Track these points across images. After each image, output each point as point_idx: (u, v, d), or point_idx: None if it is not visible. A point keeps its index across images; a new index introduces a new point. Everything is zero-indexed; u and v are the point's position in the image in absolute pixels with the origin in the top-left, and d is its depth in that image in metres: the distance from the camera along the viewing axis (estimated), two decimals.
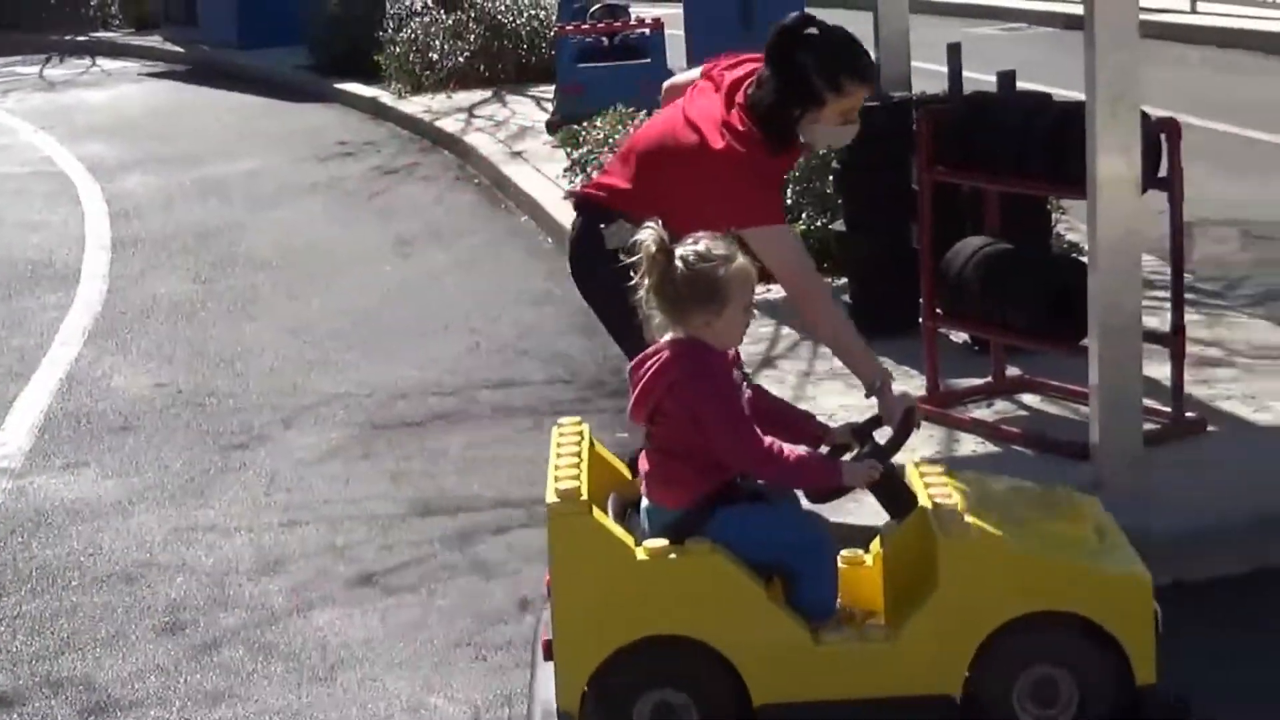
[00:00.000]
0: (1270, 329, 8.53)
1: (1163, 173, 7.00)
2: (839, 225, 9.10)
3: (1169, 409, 7.07)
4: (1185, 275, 7.45)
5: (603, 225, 5.97)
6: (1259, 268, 10.23)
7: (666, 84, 6.44)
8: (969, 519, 4.96)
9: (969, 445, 7.15)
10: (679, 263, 4.93)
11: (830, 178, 9.45)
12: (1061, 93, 7.86)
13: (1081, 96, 6.49)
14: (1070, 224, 9.40)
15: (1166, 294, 7.28)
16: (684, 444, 4.97)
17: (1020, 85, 7.97)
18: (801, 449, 5.00)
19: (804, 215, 10.27)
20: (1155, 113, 7.13)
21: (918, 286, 7.76)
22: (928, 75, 9.99)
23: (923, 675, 4.93)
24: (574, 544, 4.95)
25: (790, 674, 4.92)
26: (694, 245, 4.96)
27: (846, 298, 8.81)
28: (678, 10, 13.87)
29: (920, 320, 7.75)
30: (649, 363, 4.98)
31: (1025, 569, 4.93)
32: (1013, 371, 7.74)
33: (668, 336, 4.99)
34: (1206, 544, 6.24)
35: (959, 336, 8.24)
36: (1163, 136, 6.98)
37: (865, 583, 5.23)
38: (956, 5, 23.54)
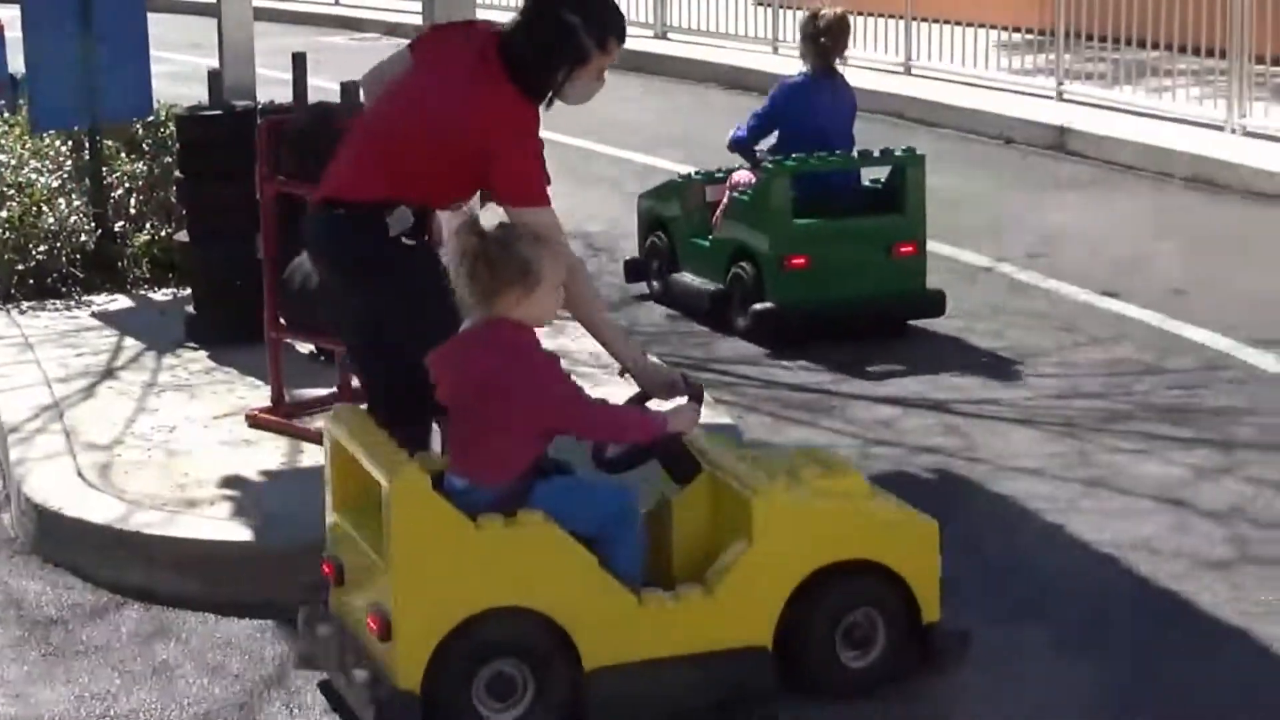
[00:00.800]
0: None
1: None
2: (183, 235, 8.97)
3: None
4: None
5: (386, 215, 5.75)
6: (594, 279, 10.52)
7: (368, 74, 6.14)
8: (772, 478, 5.33)
9: (313, 454, 7.13)
10: (492, 244, 5.15)
11: (174, 187, 9.30)
12: None
13: None
14: None
15: None
16: (502, 422, 5.14)
17: None
18: (621, 405, 5.45)
19: (148, 225, 10.11)
20: None
21: (263, 297, 7.71)
22: (278, 84, 9.96)
23: (738, 628, 5.26)
24: (415, 521, 5.03)
25: (618, 637, 5.16)
26: (504, 225, 5.31)
27: (191, 308, 8.70)
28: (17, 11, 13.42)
29: (265, 331, 7.70)
30: (467, 346, 5.24)
31: (829, 521, 5.34)
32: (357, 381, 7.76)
33: (476, 318, 5.24)
34: None
35: (306, 347, 8.22)
36: None
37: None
38: (308, 14, 23.55)
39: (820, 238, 9.30)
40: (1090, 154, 13.88)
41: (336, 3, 24.23)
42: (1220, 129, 13.78)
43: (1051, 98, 15.25)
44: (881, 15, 17.09)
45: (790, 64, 12.61)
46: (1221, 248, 11.07)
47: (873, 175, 9.70)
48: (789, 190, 9.27)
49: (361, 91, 6.28)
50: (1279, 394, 8.29)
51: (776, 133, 9.70)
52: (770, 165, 9.41)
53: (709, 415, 7.45)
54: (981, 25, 16.58)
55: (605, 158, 13.99)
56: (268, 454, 7.13)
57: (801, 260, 9.22)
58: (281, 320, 7.52)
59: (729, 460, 5.49)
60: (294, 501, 6.55)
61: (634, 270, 10.07)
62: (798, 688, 5.33)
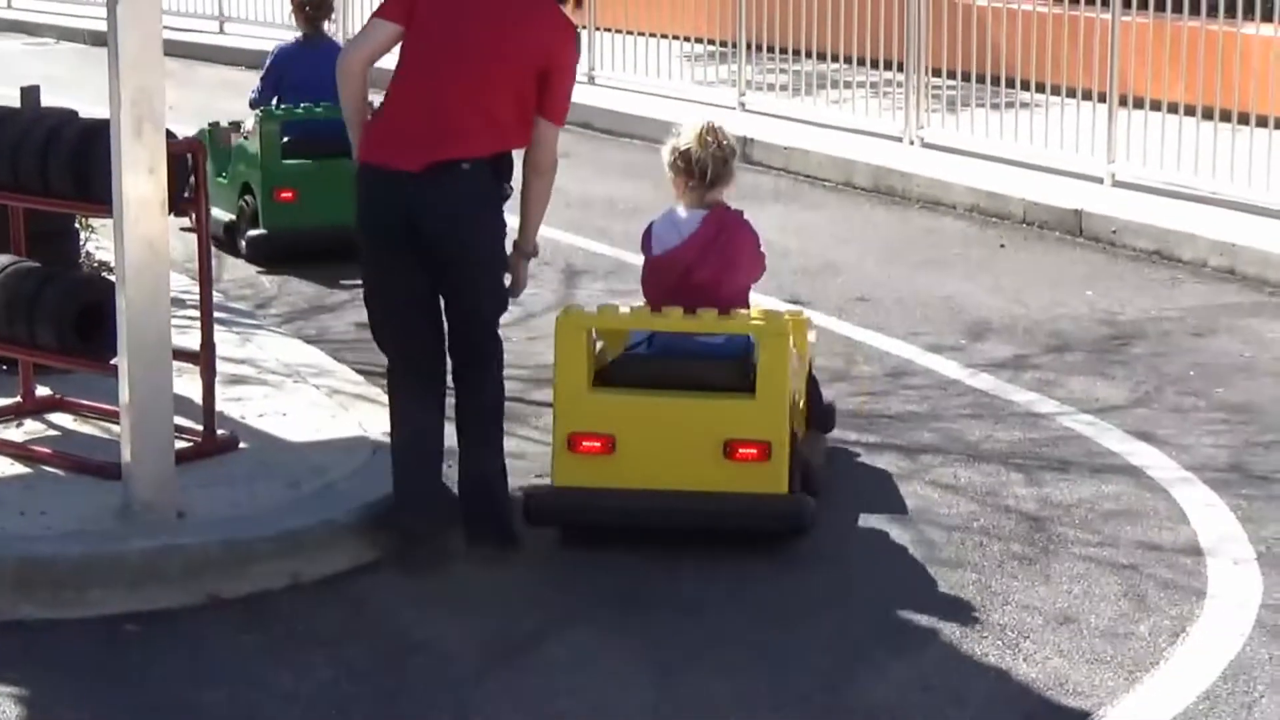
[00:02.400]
0: (298, 346, 8.73)
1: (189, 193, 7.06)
2: None
3: (201, 427, 7.10)
4: (216, 294, 7.52)
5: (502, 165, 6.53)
6: (285, 287, 10.47)
7: (352, 57, 6.61)
8: None
9: (2, 466, 6.96)
10: (722, 149, 6.96)
11: None
12: (95, 110, 7.77)
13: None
14: (101, 243, 9.31)
15: (197, 312, 7.33)
16: (746, 282, 7.09)
17: (50, 102, 7.85)
18: None
19: None
20: (184, 133, 7.17)
21: None
22: None
23: None
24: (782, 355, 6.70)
25: None
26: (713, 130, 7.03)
27: None
28: None
29: None
30: (718, 225, 6.95)
31: None
32: (43, 391, 7.60)
33: (687, 205, 6.98)
34: (241, 559, 6.30)
35: None
36: (189, 157, 7.04)
37: None
38: None
39: (305, 175, 10.94)
40: (773, 164, 14.11)
41: (9, 5, 23.67)
42: (898, 140, 14.11)
43: (734, 109, 15.46)
44: None
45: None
46: (902, 256, 11.33)
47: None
48: (279, 135, 10.93)
49: (345, 75, 6.61)
50: (958, 399, 8.51)
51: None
52: (262, 113, 11.03)
53: None
54: (664, 36, 16.75)
55: None
56: None
57: (289, 194, 10.92)
58: None
59: None
60: None
61: None
62: None
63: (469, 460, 6.63)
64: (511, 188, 6.61)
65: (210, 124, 11.28)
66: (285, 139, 10.99)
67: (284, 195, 10.92)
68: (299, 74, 11.19)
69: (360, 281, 6.76)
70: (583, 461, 6.67)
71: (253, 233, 10.90)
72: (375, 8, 6.68)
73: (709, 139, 6.97)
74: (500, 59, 6.44)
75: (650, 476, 6.63)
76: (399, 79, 6.54)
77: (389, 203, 6.46)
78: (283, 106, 11.07)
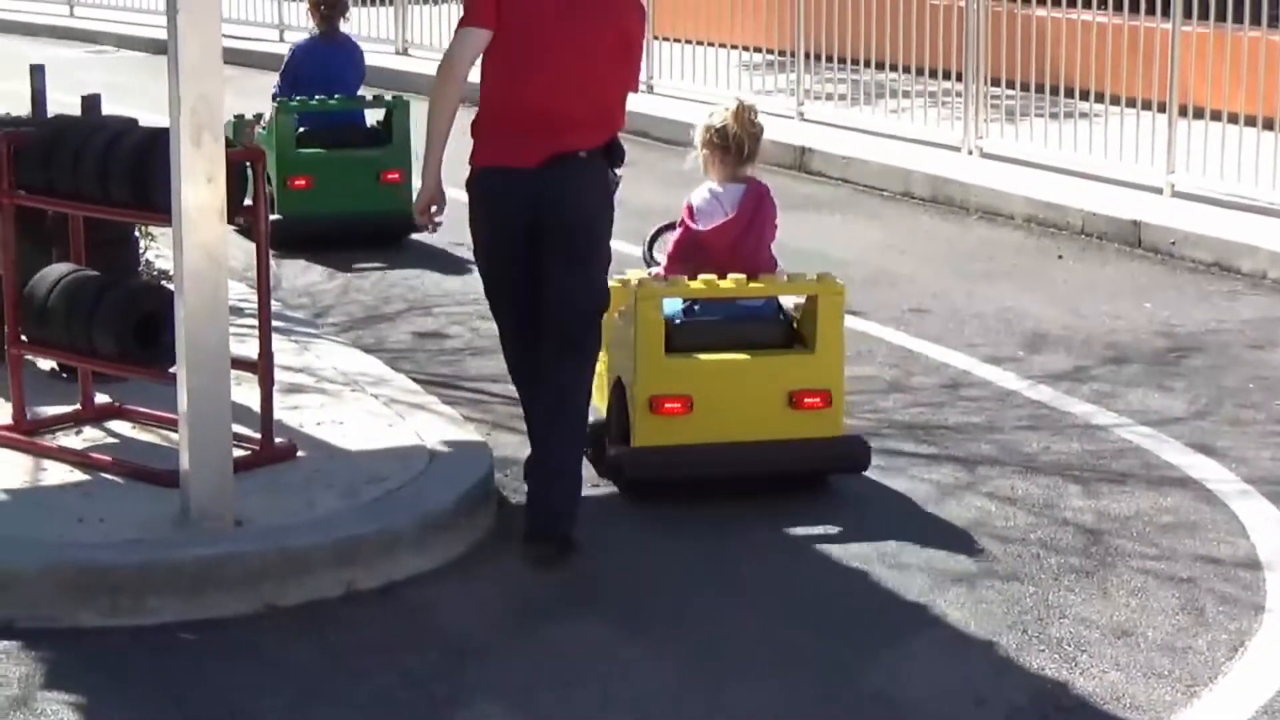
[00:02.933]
0: (355, 355, 8.75)
1: (249, 201, 7.08)
2: None
3: (259, 435, 7.13)
4: (274, 303, 7.55)
5: (612, 170, 6.81)
6: (343, 296, 10.51)
7: (455, 67, 6.70)
8: None
9: (58, 474, 7.00)
10: (755, 126, 7.42)
11: None
12: (153, 117, 7.82)
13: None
14: (160, 251, 9.36)
15: (255, 321, 7.35)
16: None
17: (110, 110, 7.89)
18: None
19: None
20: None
21: (3, 313, 7.55)
22: (13, 96, 9.75)
23: None
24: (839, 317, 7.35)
25: None
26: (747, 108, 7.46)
27: None
28: None
29: (6, 347, 7.54)
30: (759, 198, 7.39)
31: None
32: (103, 399, 7.64)
33: (732, 178, 7.42)
34: (298, 568, 6.32)
35: (48, 363, 8.06)
36: (248, 165, 7.07)
37: None
38: (41, 26, 23.15)
39: (318, 163, 11.56)
40: (831, 174, 14.10)
41: (71, 14, 23.83)
42: (957, 150, 14.08)
43: (793, 118, 15.46)
44: None
45: None
46: (960, 267, 11.30)
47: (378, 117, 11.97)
48: (294, 124, 11.56)
49: (452, 82, 6.71)
50: (1015, 410, 8.48)
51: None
52: (278, 103, 11.59)
53: (459, 433, 7.48)
54: (722, 46, 16.76)
55: None
56: (8, 472, 6.97)
57: (303, 181, 11.47)
58: (23, 336, 7.36)
59: None
60: (35, 522, 6.44)
61: None
62: None
63: (548, 453, 6.70)
64: (619, 175, 6.83)
65: (236, 116, 11.50)
66: (300, 129, 11.65)
67: (298, 183, 11.53)
68: (313, 68, 11.85)
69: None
70: (664, 422, 7.15)
71: (272, 216, 11.14)
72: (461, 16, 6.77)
73: (745, 117, 7.40)
74: (603, 49, 6.69)
75: (724, 430, 7.18)
76: (496, 83, 6.71)
77: (512, 200, 6.66)
78: (297, 98, 11.65)
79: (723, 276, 7.27)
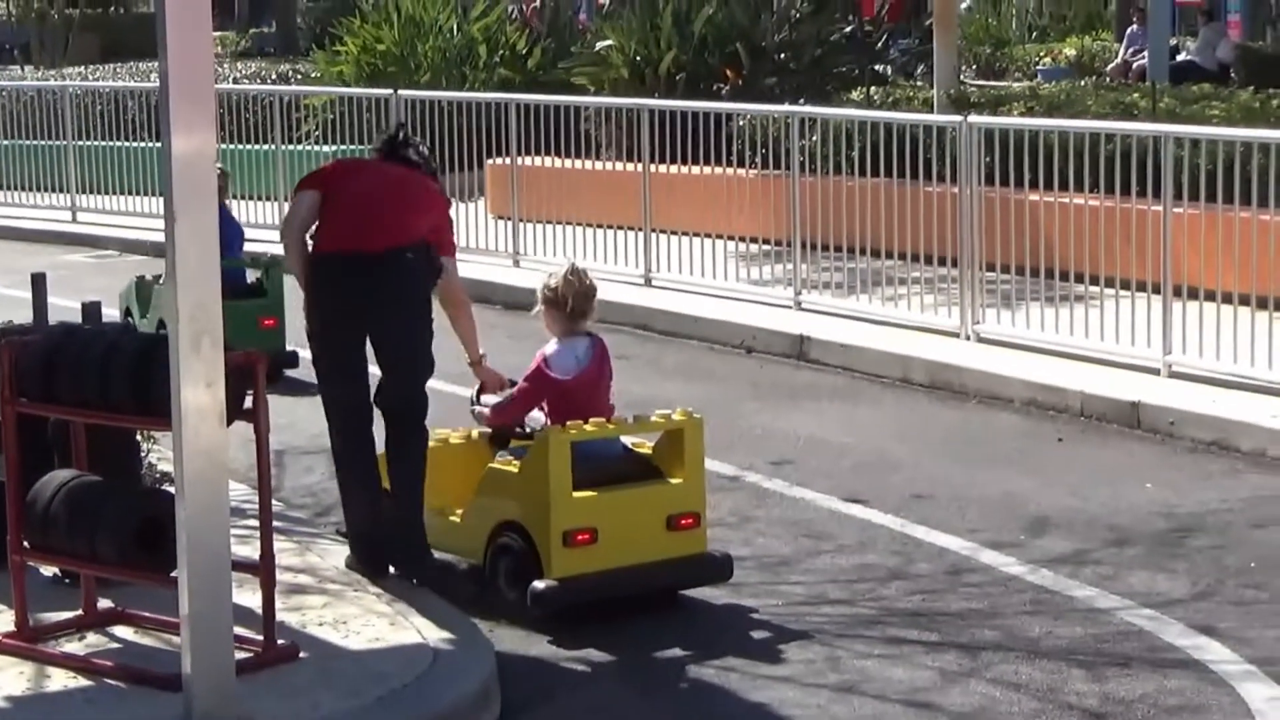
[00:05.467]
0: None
1: (249, 404, 7.14)
2: None
3: (261, 636, 7.13)
4: (275, 503, 7.58)
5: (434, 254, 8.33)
6: None
7: (296, 229, 8.34)
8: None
9: (60, 680, 6.99)
10: (584, 285, 8.40)
11: None
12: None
13: None
14: (163, 454, 9.40)
15: (257, 522, 7.38)
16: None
17: (110, 314, 7.97)
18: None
19: None
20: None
21: (5, 520, 7.57)
22: (18, 304, 9.84)
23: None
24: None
25: None
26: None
27: None
28: None
29: (9, 554, 7.55)
30: (601, 355, 8.42)
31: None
32: (105, 604, 7.65)
33: (575, 331, 8.42)
34: None
35: (50, 570, 8.07)
36: (248, 369, 7.13)
37: None
38: (44, 232, 23.34)
39: None
40: (830, 361, 14.16)
41: (74, 220, 24.03)
42: (955, 335, 14.16)
43: (791, 307, 15.56)
44: (620, 228, 17.36)
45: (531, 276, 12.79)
46: (960, 452, 11.33)
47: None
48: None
49: (292, 240, 8.35)
50: (1018, 595, 8.48)
51: None
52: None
53: (461, 630, 7.46)
54: (719, 236, 16.90)
55: None
56: (11, 680, 6.97)
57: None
58: (26, 543, 7.39)
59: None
60: None
61: None
62: None
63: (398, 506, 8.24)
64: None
65: (138, 276, 13.48)
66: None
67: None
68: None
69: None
70: (576, 553, 8.02)
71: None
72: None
73: (573, 278, 8.42)
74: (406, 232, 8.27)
75: (620, 556, 8.10)
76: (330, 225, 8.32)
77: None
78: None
79: (585, 420, 8.18)
